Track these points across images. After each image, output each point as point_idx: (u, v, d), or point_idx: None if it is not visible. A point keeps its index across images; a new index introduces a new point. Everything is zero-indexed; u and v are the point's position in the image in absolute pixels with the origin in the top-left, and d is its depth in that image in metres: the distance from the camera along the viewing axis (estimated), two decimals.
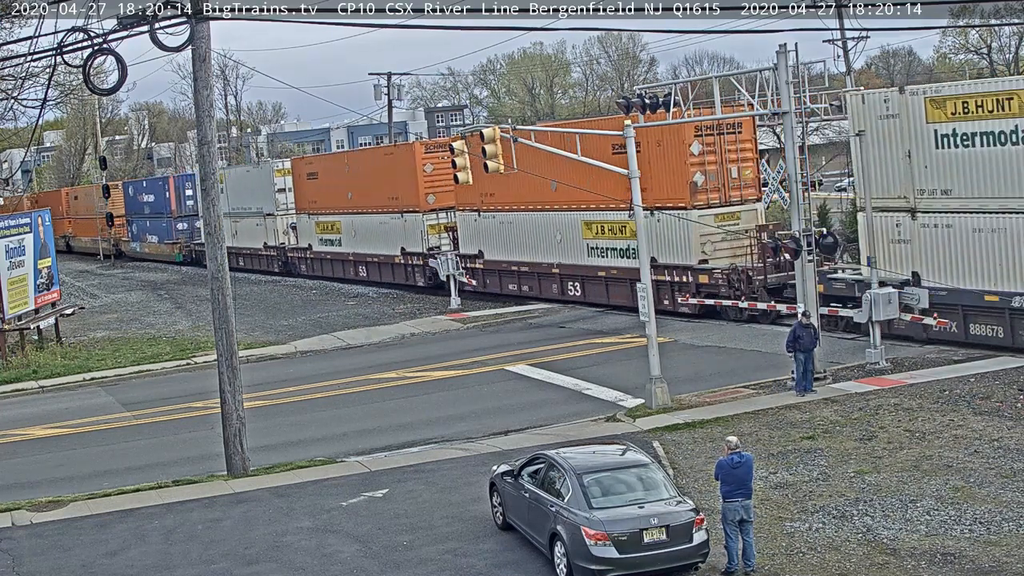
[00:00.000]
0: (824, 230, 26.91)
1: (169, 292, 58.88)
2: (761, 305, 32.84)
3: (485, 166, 26.58)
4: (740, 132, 35.08)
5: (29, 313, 41.01)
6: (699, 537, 15.35)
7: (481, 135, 26.75)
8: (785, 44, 25.95)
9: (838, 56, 55.21)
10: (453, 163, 28.71)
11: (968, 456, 19.79)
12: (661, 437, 22.80)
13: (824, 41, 54.96)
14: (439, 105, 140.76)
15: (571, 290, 40.39)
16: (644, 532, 15.09)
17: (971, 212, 27.71)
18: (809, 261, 26.54)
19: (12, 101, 41.54)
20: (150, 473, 23.75)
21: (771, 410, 24.12)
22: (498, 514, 18.18)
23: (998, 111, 26.79)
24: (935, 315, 28.27)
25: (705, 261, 34.59)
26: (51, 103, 45.95)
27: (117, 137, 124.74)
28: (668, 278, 35.54)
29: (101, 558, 18.44)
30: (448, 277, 43.43)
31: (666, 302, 35.51)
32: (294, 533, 18.85)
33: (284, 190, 58.25)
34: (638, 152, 26.85)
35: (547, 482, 16.50)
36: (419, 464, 22.44)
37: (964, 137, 27.75)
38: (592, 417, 25.36)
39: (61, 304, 45.28)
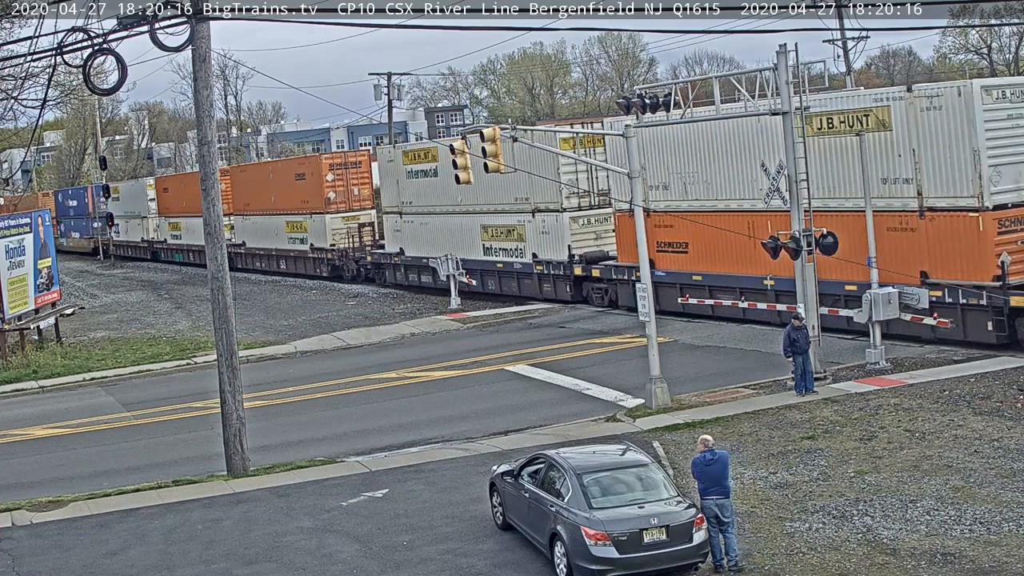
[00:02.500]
0: (824, 230, 26.91)
1: (169, 292, 58.91)
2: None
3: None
4: (360, 167, 56.42)
5: (29, 313, 41.00)
6: (699, 537, 15.35)
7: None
8: (785, 44, 25.92)
9: (838, 56, 55.26)
10: (454, 163, 28.72)
11: (968, 456, 19.78)
12: (661, 437, 22.80)
13: (824, 41, 55.05)
14: (439, 105, 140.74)
15: (282, 265, 60.55)
16: (644, 532, 15.09)
17: (420, 213, 48.38)
18: (809, 261, 26.55)
19: (12, 101, 41.50)
20: (150, 473, 23.74)
21: (771, 410, 24.12)
22: (498, 514, 18.18)
23: (427, 159, 47.16)
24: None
25: (334, 246, 54.67)
26: (51, 103, 45.86)
27: (117, 137, 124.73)
28: (315, 255, 56.24)
29: (101, 558, 18.44)
30: (448, 277, 43.48)
31: (316, 271, 57.13)
32: (294, 533, 18.85)
33: (154, 199, 77.48)
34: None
35: (547, 482, 16.49)
36: (419, 464, 22.44)
37: (417, 172, 48.31)
38: (592, 417, 25.36)
39: (61, 304, 45.28)
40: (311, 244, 56.19)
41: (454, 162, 28.40)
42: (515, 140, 27.46)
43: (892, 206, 28.52)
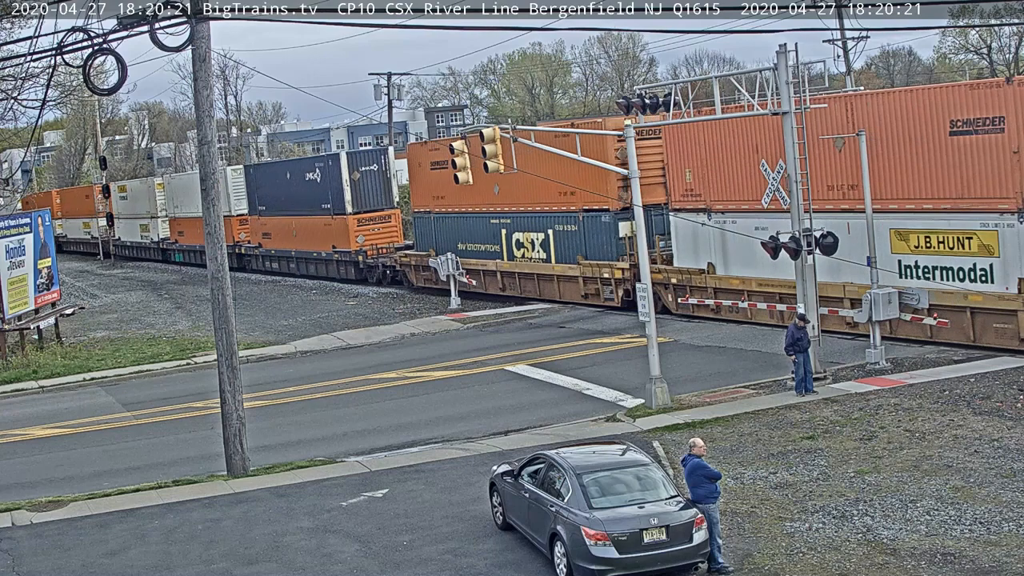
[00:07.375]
0: (824, 230, 26.92)
1: (169, 292, 58.90)
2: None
3: None
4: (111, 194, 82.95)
5: (29, 313, 40.99)
6: (699, 537, 15.34)
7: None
8: (785, 44, 25.89)
9: (838, 56, 55.27)
10: (453, 163, 28.75)
11: (968, 456, 19.79)
12: (661, 437, 22.80)
13: (824, 41, 55.07)
14: (439, 105, 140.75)
15: (82, 248, 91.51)
16: (644, 532, 15.09)
17: (123, 218, 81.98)
18: (809, 262, 26.55)
19: (12, 101, 41.51)
20: (150, 473, 23.75)
21: (771, 410, 24.12)
22: (498, 514, 18.18)
23: (125, 191, 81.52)
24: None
25: (100, 235, 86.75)
26: (51, 103, 45.95)
27: (117, 137, 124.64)
28: (93, 241, 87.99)
29: (101, 558, 18.45)
30: (448, 277, 43.51)
31: (94, 252, 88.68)
32: (294, 533, 18.86)
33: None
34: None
35: (547, 482, 16.49)
36: (419, 464, 22.45)
37: (120, 197, 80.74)
38: (592, 417, 25.36)
39: (61, 304, 45.27)
40: (90, 235, 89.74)
41: (453, 162, 28.51)
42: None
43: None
